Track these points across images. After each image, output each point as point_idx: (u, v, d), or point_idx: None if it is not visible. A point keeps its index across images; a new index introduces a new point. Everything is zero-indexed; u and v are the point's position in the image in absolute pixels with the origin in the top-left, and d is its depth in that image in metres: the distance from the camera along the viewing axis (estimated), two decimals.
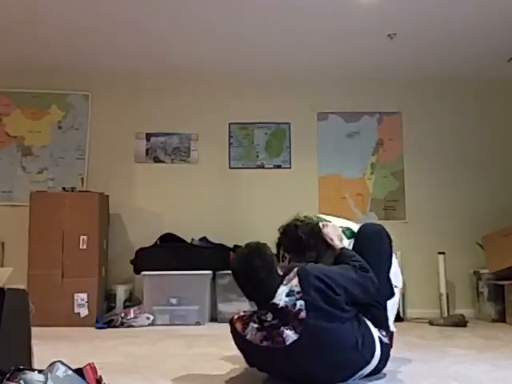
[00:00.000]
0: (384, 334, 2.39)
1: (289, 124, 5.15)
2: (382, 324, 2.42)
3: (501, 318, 4.38)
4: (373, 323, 2.36)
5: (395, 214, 5.06)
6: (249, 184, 5.06)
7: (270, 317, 2.16)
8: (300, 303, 2.12)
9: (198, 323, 4.32)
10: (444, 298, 4.67)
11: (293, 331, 2.10)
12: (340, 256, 2.47)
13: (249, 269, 2.21)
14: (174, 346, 3.34)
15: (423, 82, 5.15)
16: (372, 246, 2.56)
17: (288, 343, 2.10)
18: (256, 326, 2.19)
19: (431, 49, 4.52)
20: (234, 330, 2.32)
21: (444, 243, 4.85)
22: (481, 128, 5.16)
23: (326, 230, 2.59)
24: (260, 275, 2.19)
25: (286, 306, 2.14)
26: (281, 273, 2.27)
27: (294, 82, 5.12)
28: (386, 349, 2.38)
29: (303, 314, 2.11)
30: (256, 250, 2.29)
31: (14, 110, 5.01)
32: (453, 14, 3.87)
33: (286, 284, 2.21)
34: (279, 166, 5.11)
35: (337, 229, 2.64)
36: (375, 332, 2.34)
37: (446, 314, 4.59)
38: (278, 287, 2.20)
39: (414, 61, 4.78)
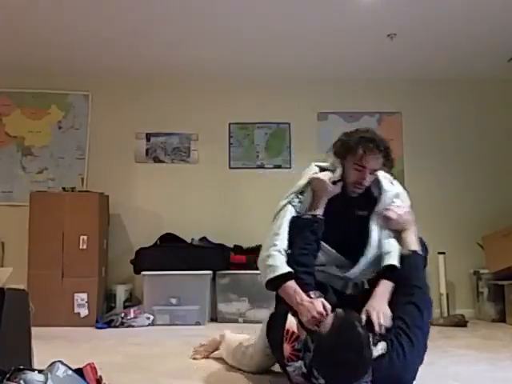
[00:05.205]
0: None
1: (289, 124, 5.15)
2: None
3: (501, 318, 4.39)
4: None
5: None
6: (249, 184, 5.06)
7: (322, 381, 1.84)
8: None
9: (198, 323, 4.32)
10: (444, 298, 4.66)
11: None
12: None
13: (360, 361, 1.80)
14: (174, 346, 3.34)
15: (423, 81, 5.15)
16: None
17: None
18: (303, 370, 1.97)
19: (431, 49, 4.51)
20: (280, 344, 2.08)
21: (444, 243, 4.84)
22: (481, 128, 5.15)
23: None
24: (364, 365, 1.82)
25: None
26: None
27: (294, 82, 5.12)
28: None
29: None
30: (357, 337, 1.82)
31: (14, 110, 5.00)
32: (453, 13, 3.87)
33: None
34: (279, 166, 5.11)
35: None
36: None
37: (446, 314, 4.59)
38: None
39: (413, 61, 4.78)
